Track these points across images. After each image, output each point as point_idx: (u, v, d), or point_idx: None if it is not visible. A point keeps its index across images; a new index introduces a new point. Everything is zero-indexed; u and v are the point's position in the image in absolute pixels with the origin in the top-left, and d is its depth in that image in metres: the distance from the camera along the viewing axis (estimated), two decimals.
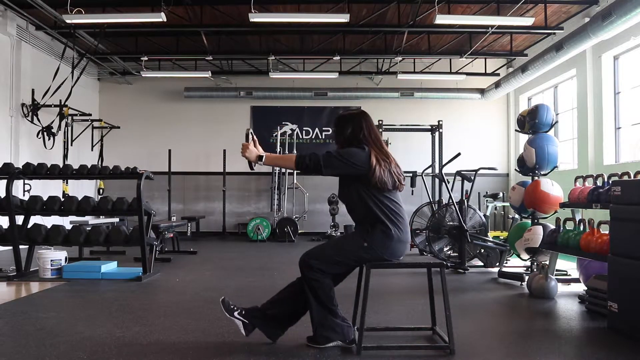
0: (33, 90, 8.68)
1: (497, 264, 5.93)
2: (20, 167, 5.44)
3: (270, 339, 2.85)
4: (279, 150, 10.57)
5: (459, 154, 6.48)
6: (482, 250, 6.13)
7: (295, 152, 10.53)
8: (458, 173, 6.33)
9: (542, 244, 4.69)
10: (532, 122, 5.41)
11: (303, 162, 2.70)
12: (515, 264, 6.01)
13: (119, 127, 10.74)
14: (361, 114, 2.88)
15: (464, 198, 6.02)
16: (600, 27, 6.65)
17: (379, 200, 2.73)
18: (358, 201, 2.77)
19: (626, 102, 7.57)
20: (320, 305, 2.71)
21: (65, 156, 9.02)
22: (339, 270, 2.79)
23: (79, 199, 5.32)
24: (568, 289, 4.70)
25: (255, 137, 2.83)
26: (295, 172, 10.43)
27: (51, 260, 5.09)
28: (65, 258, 5.23)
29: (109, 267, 5.24)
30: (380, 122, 9.71)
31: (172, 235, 7.45)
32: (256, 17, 7.23)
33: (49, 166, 5.47)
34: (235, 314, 2.81)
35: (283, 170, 10.57)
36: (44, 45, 9.22)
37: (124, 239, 5.16)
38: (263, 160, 2.75)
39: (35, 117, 8.62)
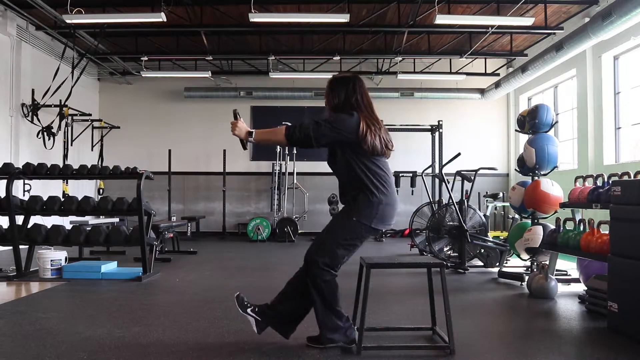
0: (33, 90, 8.68)
1: (497, 264, 5.93)
2: (20, 167, 5.45)
3: (283, 336, 2.84)
4: (279, 149, 10.56)
5: (459, 154, 6.48)
6: (482, 250, 6.13)
7: (295, 152, 10.54)
8: (458, 173, 6.32)
9: (542, 244, 4.70)
10: (532, 122, 5.42)
11: (293, 135, 2.68)
12: (515, 264, 6.01)
13: (119, 127, 10.74)
14: (355, 78, 2.86)
15: (464, 198, 6.02)
16: (600, 27, 6.65)
17: (366, 166, 2.72)
18: (345, 167, 2.76)
19: (626, 102, 7.57)
20: (325, 306, 2.70)
21: (65, 156, 9.02)
22: (344, 256, 2.74)
23: (79, 199, 5.32)
24: (568, 289, 4.69)
25: (240, 116, 2.79)
26: (295, 172, 10.44)
27: (51, 260, 5.09)
28: (65, 258, 5.23)
29: (109, 267, 5.24)
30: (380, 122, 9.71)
31: (172, 235, 7.45)
32: (256, 17, 7.23)
33: (49, 166, 5.48)
34: (249, 310, 2.81)
35: (283, 170, 10.57)
36: (44, 45, 9.22)
37: (124, 239, 5.16)
38: (253, 136, 2.72)
39: (35, 117, 8.62)
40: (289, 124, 9.85)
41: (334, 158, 2.81)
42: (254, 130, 2.73)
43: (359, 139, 2.68)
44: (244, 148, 2.85)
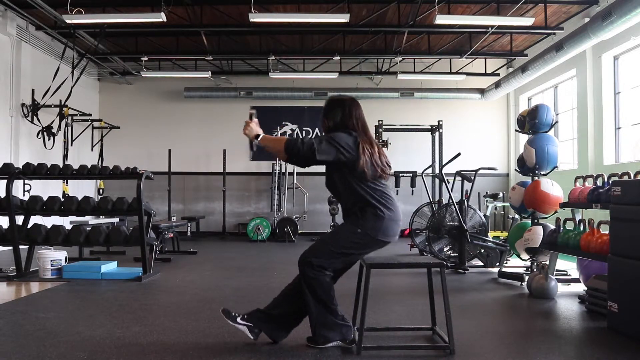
0: (33, 90, 8.68)
1: (497, 264, 5.93)
2: (20, 167, 5.45)
3: (274, 341, 2.85)
4: None
5: (459, 154, 6.47)
6: (482, 250, 6.13)
7: None
8: (458, 173, 6.33)
9: (542, 244, 4.70)
10: (532, 122, 5.41)
11: (294, 147, 2.67)
12: (515, 264, 6.01)
13: (119, 127, 10.74)
14: (352, 100, 2.88)
15: (464, 198, 6.02)
16: (600, 27, 6.65)
17: (369, 187, 2.74)
18: (344, 188, 2.78)
19: (626, 102, 7.57)
20: (319, 304, 2.71)
21: (65, 156, 9.02)
22: (339, 264, 2.78)
23: (79, 199, 5.32)
24: (568, 289, 4.69)
25: (256, 118, 2.87)
26: (295, 172, 10.43)
27: (51, 260, 5.09)
28: (65, 258, 5.23)
29: (109, 267, 5.24)
30: (380, 122, 9.72)
31: (172, 235, 7.45)
32: (256, 17, 7.23)
33: (49, 166, 5.48)
34: (238, 319, 2.81)
35: (283, 170, 10.57)
36: (44, 45, 9.22)
37: (124, 239, 5.16)
38: (259, 139, 2.77)
39: (35, 117, 8.62)
40: (289, 123, 9.73)
41: (334, 183, 2.83)
42: (262, 134, 2.78)
43: (359, 158, 2.69)
44: (251, 149, 2.93)
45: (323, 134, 2.86)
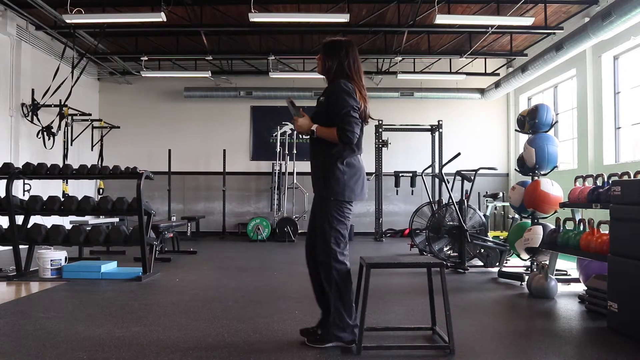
0: (33, 90, 8.68)
1: (497, 264, 5.93)
2: (20, 167, 5.45)
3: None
4: (279, 150, 10.57)
5: (458, 154, 6.48)
6: (482, 250, 6.13)
7: (295, 151, 10.55)
8: (458, 173, 6.33)
9: (542, 244, 4.70)
10: (532, 122, 5.42)
11: (349, 141, 2.71)
12: (515, 264, 6.01)
13: (119, 127, 10.74)
14: (348, 42, 2.88)
15: (464, 198, 6.01)
16: (600, 27, 6.65)
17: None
18: (321, 143, 2.81)
19: (626, 102, 7.57)
20: (341, 302, 2.71)
21: (65, 156, 9.02)
22: (346, 228, 2.80)
23: (79, 199, 5.32)
24: (568, 289, 4.69)
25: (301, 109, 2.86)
26: (294, 172, 10.45)
27: (51, 260, 5.09)
28: (65, 258, 5.23)
29: (109, 267, 5.24)
30: (380, 122, 9.73)
31: (172, 235, 7.45)
32: (256, 17, 7.24)
33: (49, 166, 5.47)
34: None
35: (283, 169, 10.58)
36: (44, 45, 9.22)
37: (124, 239, 5.16)
38: (315, 133, 2.78)
39: (35, 117, 8.62)
40: (289, 123, 9.73)
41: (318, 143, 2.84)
42: (315, 127, 2.78)
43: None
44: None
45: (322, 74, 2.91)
